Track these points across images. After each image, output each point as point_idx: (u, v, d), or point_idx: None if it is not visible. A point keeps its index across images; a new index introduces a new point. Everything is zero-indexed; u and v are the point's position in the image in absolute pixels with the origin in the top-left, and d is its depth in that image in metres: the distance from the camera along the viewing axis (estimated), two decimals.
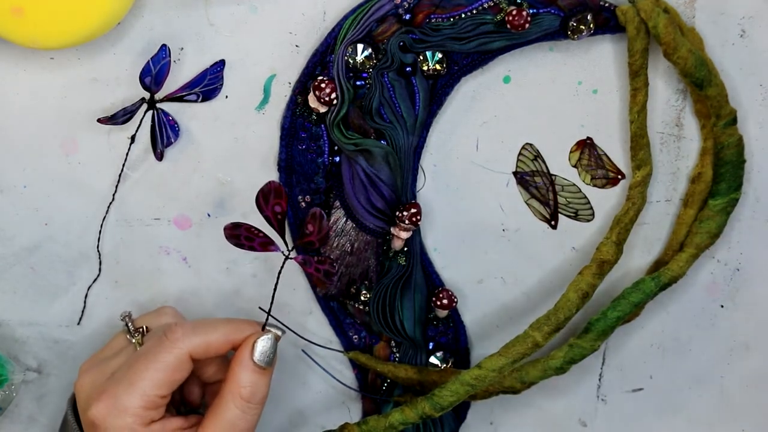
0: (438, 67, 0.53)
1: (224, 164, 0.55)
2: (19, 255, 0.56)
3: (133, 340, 0.50)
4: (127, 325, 0.51)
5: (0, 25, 0.48)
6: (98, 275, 0.56)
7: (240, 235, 0.49)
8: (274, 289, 0.50)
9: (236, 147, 0.55)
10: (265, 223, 0.49)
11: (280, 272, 0.49)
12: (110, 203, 0.55)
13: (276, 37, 0.53)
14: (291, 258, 0.49)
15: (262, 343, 0.48)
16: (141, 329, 0.50)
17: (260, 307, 0.53)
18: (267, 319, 0.49)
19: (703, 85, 0.52)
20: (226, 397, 0.47)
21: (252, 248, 0.49)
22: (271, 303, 0.50)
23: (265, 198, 0.48)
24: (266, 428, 0.59)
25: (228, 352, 0.49)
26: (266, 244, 0.49)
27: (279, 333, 0.49)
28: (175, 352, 0.47)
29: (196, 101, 0.53)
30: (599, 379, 0.59)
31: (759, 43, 0.54)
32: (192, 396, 0.53)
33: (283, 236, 0.49)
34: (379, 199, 0.54)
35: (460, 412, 0.58)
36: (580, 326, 0.55)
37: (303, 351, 0.57)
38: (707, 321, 0.58)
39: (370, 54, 0.52)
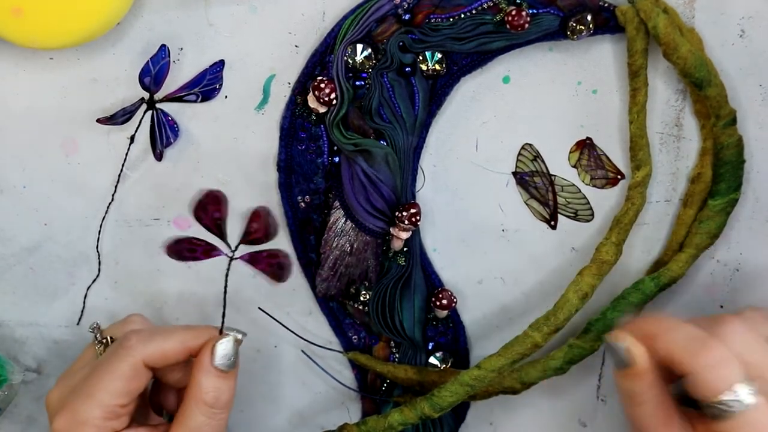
0: (437, 67, 0.53)
1: (224, 164, 0.55)
2: (18, 255, 0.56)
3: (97, 353, 0.49)
4: (95, 336, 0.50)
5: None
6: (98, 275, 0.56)
7: (182, 249, 0.48)
8: (225, 292, 0.49)
9: (236, 147, 0.55)
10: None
11: (227, 275, 0.48)
12: (110, 203, 0.55)
13: (275, 37, 0.53)
14: (236, 258, 0.48)
15: (222, 347, 0.47)
16: (106, 339, 0.50)
17: (260, 308, 0.53)
18: (222, 323, 0.49)
19: (702, 86, 0.52)
20: (190, 404, 0.46)
21: (196, 258, 0.48)
22: (224, 306, 0.49)
23: (203, 208, 0.47)
24: (266, 429, 0.59)
25: (188, 358, 0.48)
26: (209, 251, 0.48)
27: (239, 336, 0.48)
28: (129, 360, 0.46)
29: (195, 101, 0.53)
30: (599, 380, 0.59)
31: (759, 43, 0.54)
32: (168, 403, 0.52)
33: (225, 240, 0.48)
34: (378, 200, 0.54)
35: (459, 412, 0.58)
36: (580, 327, 0.55)
37: (302, 351, 0.57)
38: None
39: (370, 54, 0.52)
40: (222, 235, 0.48)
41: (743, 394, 0.42)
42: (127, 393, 0.46)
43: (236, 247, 0.48)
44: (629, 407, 0.46)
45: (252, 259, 0.49)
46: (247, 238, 0.48)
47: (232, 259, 0.48)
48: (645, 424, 0.46)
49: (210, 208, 0.47)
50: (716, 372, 0.43)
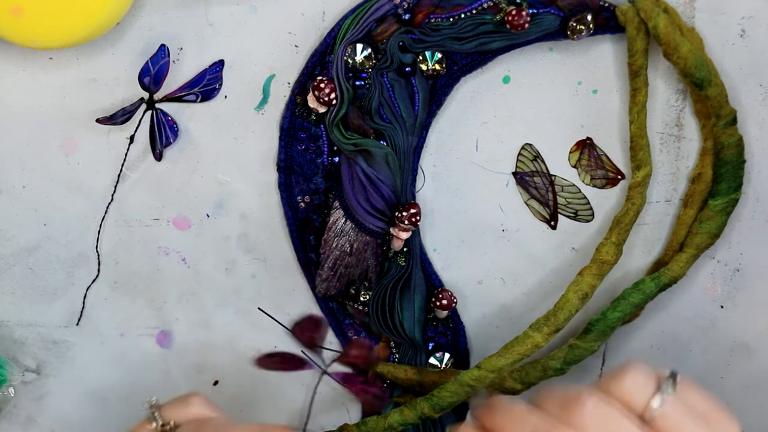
0: (437, 67, 0.53)
1: (223, 164, 0.55)
2: (18, 255, 0.56)
3: None
4: (154, 417, 0.47)
5: None
6: (97, 276, 0.56)
7: (276, 363, 0.47)
8: (311, 403, 0.47)
9: (235, 147, 0.55)
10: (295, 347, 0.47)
11: (315, 388, 0.47)
12: (109, 203, 0.55)
13: (275, 37, 0.53)
14: (329, 374, 0.46)
15: None
16: (169, 426, 0.46)
17: (259, 308, 0.53)
18: (305, 429, 0.47)
19: (703, 85, 0.52)
20: None
21: (287, 370, 0.47)
22: (307, 420, 0.47)
23: (302, 330, 0.46)
24: None
25: None
26: (302, 365, 0.47)
27: None
28: None
29: (195, 101, 0.53)
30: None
31: (759, 43, 0.54)
32: None
33: (321, 357, 0.47)
34: (378, 200, 0.53)
35: (459, 412, 0.58)
36: (580, 327, 0.55)
37: (302, 351, 0.57)
38: (707, 321, 0.58)
39: (370, 54, 0.52)
40: (317, 353, 0.46)
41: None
42: None
43: (331, 363, 0.46)
44: None
45: (346, 380, 0.48)
46: (343, 359, 0.46)
47: (324, 373, 0.46)
48: None
49: (310, 333, 0.46)
50: None
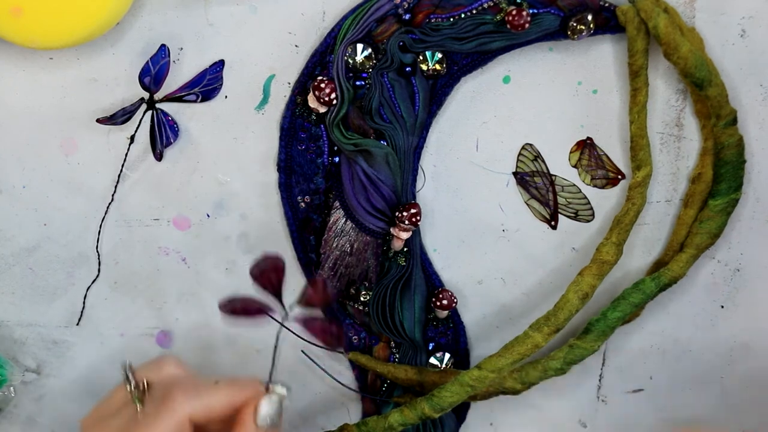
0: (438, 67, 0.53)
1: (223, 164, 0.55)
2: (18, 255, 0.56)
3: (134, 398, 0.47)
4: (128, 378, 0.48)
5: None
6: (97, 276, 0.56)
7: (237, 308, 0.47)
8: (275, 350, 0.48)
9: (235, 147, 0.55)
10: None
11: (278, 335, 0.47)
12: (109, 203, 0.55)
13: (275, 37, 0.53)
14: (285, 326, 0.47)
15: (266, 407, 0.46)
16: (142, 385, 0.48)
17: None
18: (270, 380, 0.48)
19: (703, 85, 0.52)
20: None
21: (249, 317, 0.48)
22: (273, 363, 0.48)
23: (261, 272, 0.46)
24: None
25: (232, 413, 0.47)
26: (264, 311, 0.47)
27: (284, 393, 0.48)
28: (175, 418, 0.45)
29: (195, 101, 0.53)
30: (599, 380, 0.59)
31: (759, 43, 0.54)
32: None
33: (281, 301, 0.47)
34: (378, 200, 0.53)
35: (460, 412, 0.58)
36: (580, 327, 0.55)
37: (303, 351, 0.57)
38: (707, 321, 0.58)
39: (370, 54, 0.52)
40: (278, 297, 0.47)
41: None
42: None
43: (290, 309, 0.47)
44: None
45: (306, 324, 0.48)
46: (302, 301, 0.47)
47: (282, 322, 0.47)
48: None
49: (270, 274, 0.46)
50: None
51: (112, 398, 0.49)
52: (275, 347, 0.48)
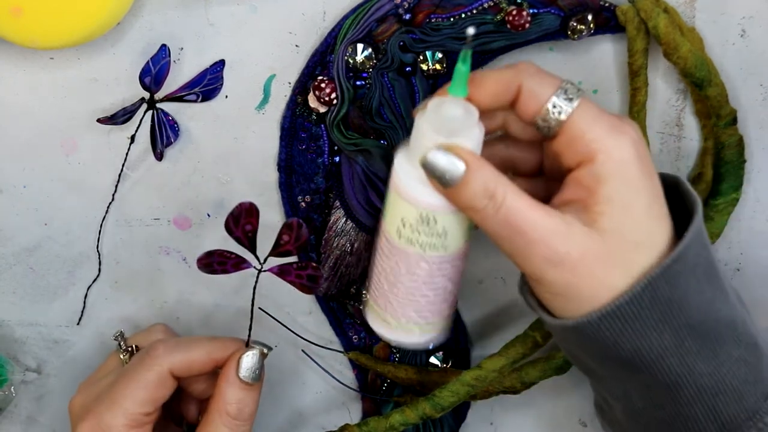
0: (438, 66, 0.53)
1: (224, 164, 0.55)
2: (18, 255, 0.56)
3: (123, 361, 0.50)
4: (119, 344, 0.51)
5: None
6: (98, 275, 0.56)
7: (213, 262, 0.48)
8: (252, 305, 0.49)
9: (236, 147, 0.55)
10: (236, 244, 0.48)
11: (255, 287, 0.48)
12: (110, 203, 0.55)
13: (276, 37, 0.53)
14: (265, 271, 0.48)
15: (248, 359, 0.47)
16: (131, 348, 0.50)
17: (260, 308, 0.53)
18: (249, 335, 0.49)
19: (703, 85, 0.52)
20: (213, 415, 0.47)
21: (225, 271, 0.48)
22: (251, 319, 0.49)
23: (235, 220, 0.47)
24: (266, 429, 0.59)
25: (214, 369, 0.48)
26: (239, 264, 0.48)
27: (265, 349, 0.48)
28: (156, 369, 0.46)
29: (195, 101, 0.53)
30: None
31: (759, 43, 0.54)
32: (189, 413, 0.52)
33: (254, 252, 0.48)
34: (379, 199, 0.53)
35: (460, 412, 0.58)
36: None
37: (303, 351, 0.57)
38: None
39: (370, 54, 0.52)
40: (252, 247, 0.47)
41: (561, 100, 0.41)
42: (152, 402, 0.46)
43: (265, 260, 0.48)
44: (490, 218, 0.42)
45: (281, 272, 0.49)
46: (276, 250, 0.47)
47: (260, 271, 0.48)
48: (513, 221, 0.42)
49: (242, 220, 0.46)
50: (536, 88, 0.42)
51: (106, 364, 0.51)
52: (252, 301, 0.49)
